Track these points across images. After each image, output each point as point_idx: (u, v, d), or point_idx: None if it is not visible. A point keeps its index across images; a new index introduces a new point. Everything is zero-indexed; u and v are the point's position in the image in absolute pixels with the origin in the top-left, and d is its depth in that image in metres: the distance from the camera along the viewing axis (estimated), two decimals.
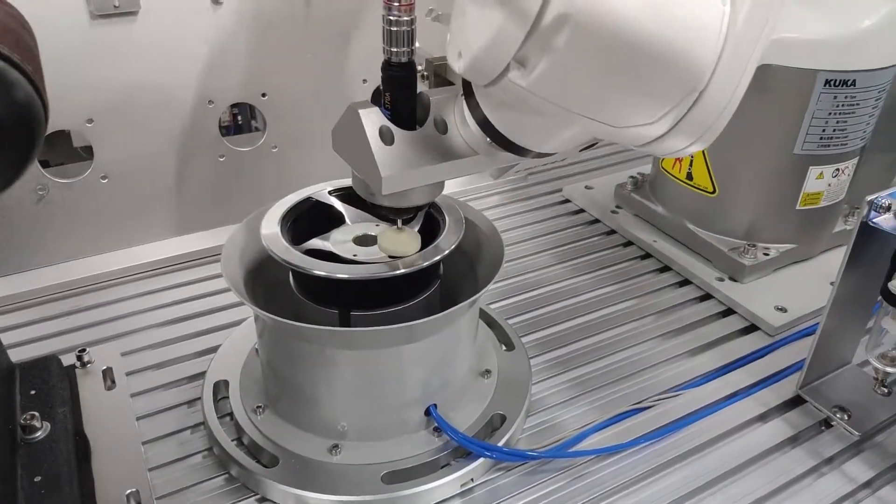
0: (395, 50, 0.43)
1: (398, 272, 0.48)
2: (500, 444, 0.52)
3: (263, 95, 0.78)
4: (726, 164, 0.72)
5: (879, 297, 0.55)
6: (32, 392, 0.52)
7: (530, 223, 0.86)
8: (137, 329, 0.67)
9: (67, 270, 0.74)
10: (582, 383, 0.61)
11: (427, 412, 0.53)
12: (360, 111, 0.43)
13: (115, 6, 0.67)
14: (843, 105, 0.66)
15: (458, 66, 0.38)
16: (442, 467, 0.52)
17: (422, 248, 0.50)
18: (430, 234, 0.54)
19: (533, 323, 0.68)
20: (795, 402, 0.60)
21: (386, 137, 0.43)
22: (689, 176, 0.75)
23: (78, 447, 0.49)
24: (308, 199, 0.57)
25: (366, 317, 0.51)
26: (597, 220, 0.86)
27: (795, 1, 0.64)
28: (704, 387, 0.61)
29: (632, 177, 0.85)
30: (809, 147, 0.68)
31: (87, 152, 0.74)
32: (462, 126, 0.44)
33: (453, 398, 0.54)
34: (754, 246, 0.72)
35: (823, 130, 0.67)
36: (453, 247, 0.51)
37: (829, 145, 0.68)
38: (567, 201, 0.91)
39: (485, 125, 0.42)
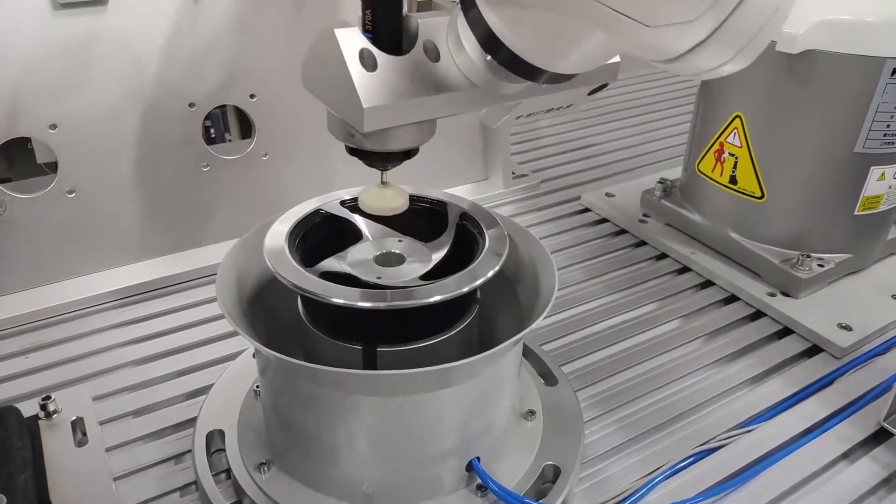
0: None
1: (433, 300, 0.40)
2: (558, 503, 0.44)
3: (252, 97, 0.69)
4: (776, 165, 0.65)
5: None
6: None
7: (550, 234, 0.78)
8: (112, 367, 0.58)
9: (28, 299, 0.63)
10: (636, 422, 0.53)
11: (469, 467, 0.44)
12: (338, 31, 0.36)
13: None
14: None
15: None
16: None
17: (458, 269, 0.42)
18: (465, 250, 0.45)
19: (570, 350, 0.60)
20: (880, 435, 0.52)
21: (367, 62, 0.36)
22: (733, 179, 0.68)
23: None
24: (318, 212, 0.48)
25: (395, 353, 0.42)
26: (623, 231, 0.78)
27: None
28: (775, 420, 0.53)
29: (661, 181, 0.78)
30: (872, 145, 0.61)
31: (53, 168, 0.64)
32: (457, 53, 0.38)
33: (496, 447, 0.46)
34: (809, 256, 0.65)
35: (888, 126, 0.60)
36: (497, 269, 0.42)
37: (894, 142, 0.61)
38: (587, 210, 0.83)
39: (488, 41, 0.35)
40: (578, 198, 0.84)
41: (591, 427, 0.52)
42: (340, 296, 0.39)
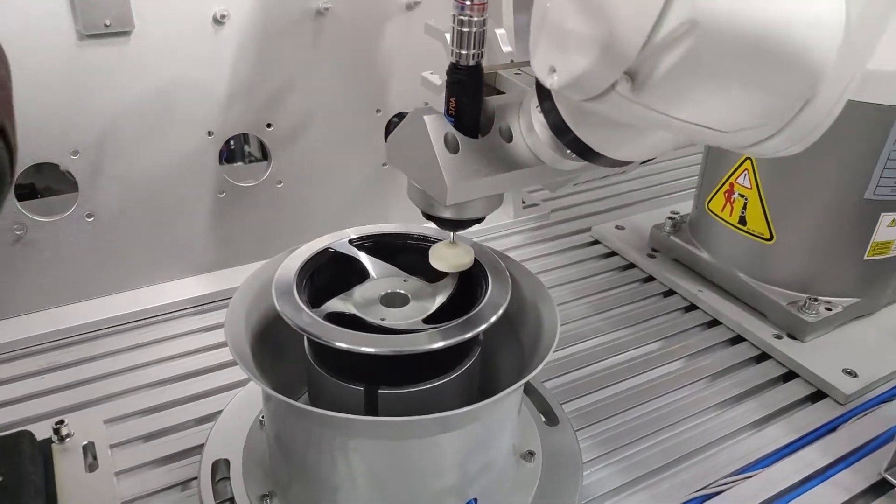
0: (465, 52, 0.39)
1: (435, 346, 0.40)
2: None
3: (268, 126, 0.70)
4: (786, 208, 0.65)
5: None
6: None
7: (558, 267, 0.79)
8: (124, 391, 0.59)
9: (45, 320, 0.65)
10: (636, 465, 0.53)
11: None
12: (426, 117, 0.39)
13: (105, 24, 0.60)
14: None
15: (551, 81, 0.33)
16: None
17: (462, 312, 0.43)
18: (469, 292, 0.46)
19: (573, 388, 0.61)
20: (882, 486, 0.52)
21: (451, 145, 0.40)
22: (742, 220, 0.68)
23: None
24: (326, 250, 0.49)
25: (396, 395, 0.43)
26: (632, 265, 0.79)
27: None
28: (776, 466, 0.54)
29: (671, 217, 0.78)
30: (883, 192, 0.61)
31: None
32: (528, 133, 0.41)
33: (494, 489, 0.46)
34: (816, 300, 0.65)
35: None
36: (500, 313, 0.43)
37: None
38: (597, 242, 0.83)
39: (561, 130, 0.38)
40: (588, 229, 0.85)
41: (590, 468, 0.52)
42: (344, 340, 0.40)
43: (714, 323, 0.70)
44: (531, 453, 0.50)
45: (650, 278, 0.77)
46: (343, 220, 0.51)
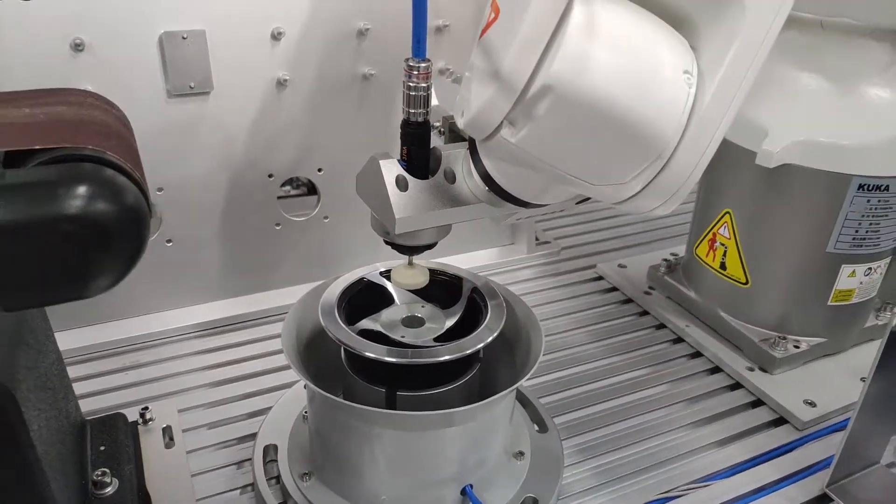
0: (413, 111, 0.48)
1: (442, 359, 0.52)
2: None
3: (319, 171, 0.83)
4: (759, 257, 0.75)
5: None
6: (102, 448, 0.56)
7: (563, 299, 0.89)
8: (193, 387, 0.72)
9: (130, 326, 0.79)
10: (612, 469, 0.63)
11: (463, 492, 0.55)
12: (381, 161, 0.50)
13: (190, 87, 0.74)
14: (876, 208, 0.69)
15: (461, 122, 0.44)
16: None
17: (465, 334, 0.54)
18: (472, 318, 0.57)
19: (565, 404, 0.71)
20: (822, 500, 0.61)
21: (401, 185, 0.49)
22: (723, 266, 0.78)
23: (141, 503, 0.53)
24: (362, 280, 0.61)
25: (411, 397, 0.54)
26: (629, 300, 0.89)
27: (830, 106, 0.67)
28: (732, 479, 0.63)
29: (665, 259, 0.88)
30: (842, 247, 0.70)
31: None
32: (468, 177, 0.50)
33: (488, 479, 0.57)
34: (785, 338, 0.74)
35: (856, 231, 0.70)
36: (494, 335, 0.54)
37: (861, 245, 0.70)
38: (600, 278, 0.94)
39: (486, 178, 0.48)
40: (594, 266, 0.95)
41: (570, 471, 0.63)
42: (372, 351, 0.52)
43: (697, 354, 0.80)
44: (521, 454, 0.61)
45: (645, 312, 0.87)
46: (377, 252, 0.62)
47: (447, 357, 0.52)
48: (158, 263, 0.79)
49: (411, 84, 0.47)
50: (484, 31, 0.42)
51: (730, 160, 0.73)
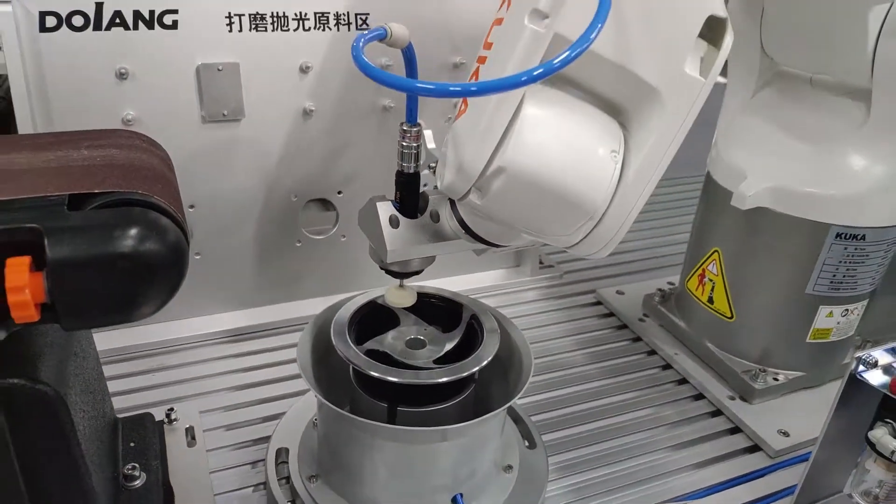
0: (406, 164, 0.58)
1: (441, 380, 0.58)
2: None
3: (339, 193, 0.89)
4: (744, 294, 0.80)
5: None
6: (132, 444, 0.62)
7: (562, 321, 0.95)
8: (214, 390, 0.78)
9: (157, 330, 0.86)
10: (593, 486, 0.69)
11: (454, 501, 0.61)
12: (378, 203, 0.59)
13: (223, 114, 0.80)
14: (853, 255, 0.73)
15: (439, 185, 0.53)
16: None
17: (462, 356, 0.60)
18: (470, 342, 0.63)
19: (556, 422, 0.77)
20: None
21: (394, 223, 0.58)
22: (711, 300, 0.83)
23: (165, 496, 0.59)
24: (371, 302, 0.67)
25: (410, 413, 0.60)
26: (625, 326, 0.94)
27: (806, 157, 0.72)
28: (706, 499, 0.68)
29: (660, 289, 0.93)
30: (820, 289, 0.75)
31: None
32: (450, 219, 0.58)
33: (477, 489, 0.63)
34: (765, 371, 0.79)
35: (833, 276, 0.74)
36: (488, 360, 0.60)
37: (838, 289, 0.75)
38: (599, 303, 0.99)
39: (462, 223, 0.57)
40: (593, 291, 1.01)
41: (554, 485, 0.68)
42: (376, 370, 0.58)
43: (683, 381, 0.85)
44: (510, 467, 0.66)
45: (638, 339, 0.92)
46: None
47: (443, 379, 0.58)
48: (187, 274, 0.85)
49: (404, 143, 0.56)
50: (457, 117, 0.50)
51: (720, 201, 0.78)
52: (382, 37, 0.54)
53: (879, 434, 0.58)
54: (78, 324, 0.42)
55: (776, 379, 0.80)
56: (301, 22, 0.80)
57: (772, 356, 0.81)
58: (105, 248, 0.40)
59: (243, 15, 0.77)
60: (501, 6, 0.50)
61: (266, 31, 0.79)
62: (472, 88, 0.45)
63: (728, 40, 0.48)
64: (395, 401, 0.60)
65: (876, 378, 0.60)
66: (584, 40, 0.42)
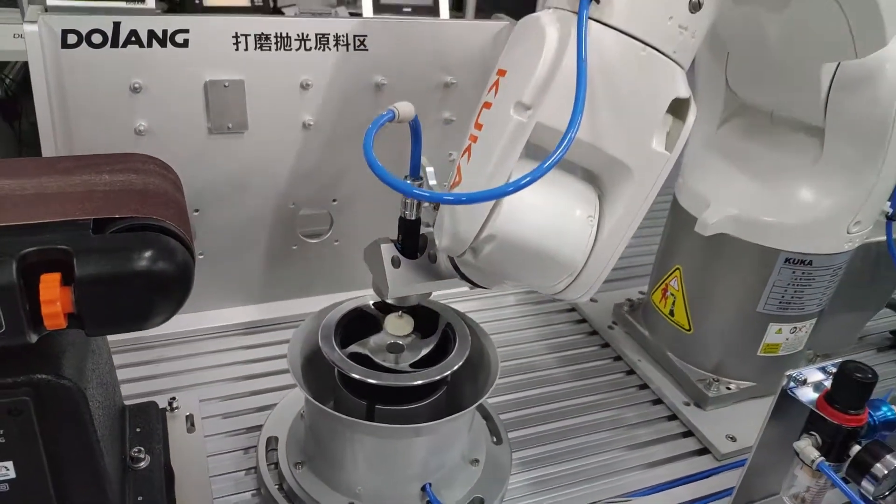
0: (408, 212, 0.64)
1: (415, 383, 0.65)
2: None
3: (334, 201, 0.96)
4: (701, 309, 0.87)
5: None
6: (138, 430, 0.70)
7: (537, 326, 1.02)
8: (212, 381, 0.85)
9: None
10: (550, 480, 0.76)
11: (423, 488, 0.68)
12: (382, 245, 0.65)
13: (228, 126, 0.87)
14: (801, 279, 0.80)
15: (438, 244, 0.60)
16: None
17: (436, 361, 0.67)
18: (445, 347, 0.70)
19: (523, 420, 0.84)
20: None
21: (395, 263, 0.65)
22: (672, 313, 0.90)
23: (167, 477, 0.67)
24: (356, 309, 0.74)
25: (387, 411, 0.67)
26: (595, 332, 1.01)
27: (763, 188, 0.79)
28: (652, 496, 0.76)
29: (629, 299, 1.00)
30: (770, 308, 0.82)
31: None
32: (445, 261, 0.64)
33: (445, 480, 0.70)
34: (718, 380, 0.86)
35: (782, 297, 0.81)
36: (459, 366, 0.67)
37: (787, 308, 0.82)
38: (573, 310, 1.06)
39: (456, 268, 0.64)
40: None
41: (516, 478, 0.75)
42: (357, 372, 0.65)
43: (644, 386, 0.92)
44: (477, 461, 0.74)
45: (606, 345, 0.99)
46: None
47: (418, 382, 0.65)
48: None
49: (406, 202, 0.63)
50: (451, 188, 0.57)
51: (685, 224, 0.85)
52: (392, 118, 0.60)
53: (803, 445, 0.65)
54: (99, 331, 0.49)
55: (728, 388, 0.87)
56: (303, 42, 0.87)
57: (725, 367, 0.88)
58: (124, 267, 0.47)
59: (249, 35, 0.84)
60: (490, 90, 0.56)
61: (270, 50, 0.85)
62: (463, 198, 0.52)
63: (692, 118, 0.54)
64: (374, 399, 0.67)
65: (806, 395, 0.67)
66: (562, 147, 0.48)
